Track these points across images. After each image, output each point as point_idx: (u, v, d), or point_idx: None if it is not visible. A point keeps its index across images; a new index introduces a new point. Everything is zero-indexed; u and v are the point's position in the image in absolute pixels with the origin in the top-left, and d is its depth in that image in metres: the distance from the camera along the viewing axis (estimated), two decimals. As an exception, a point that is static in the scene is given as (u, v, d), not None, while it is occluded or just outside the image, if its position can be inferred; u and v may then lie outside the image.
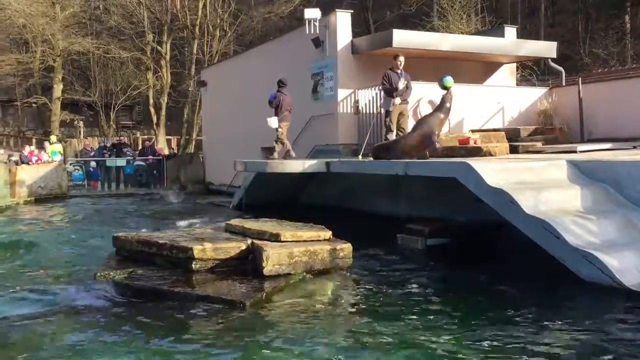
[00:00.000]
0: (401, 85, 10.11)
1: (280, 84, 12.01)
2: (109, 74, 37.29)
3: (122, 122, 40.32)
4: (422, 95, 11.57)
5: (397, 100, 10.04)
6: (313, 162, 10.95)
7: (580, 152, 9.94)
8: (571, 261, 6.19)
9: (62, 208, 16.29)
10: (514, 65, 15.41)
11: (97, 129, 37.73)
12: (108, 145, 22.79)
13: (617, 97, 11.98)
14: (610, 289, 5.80)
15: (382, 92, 10.59)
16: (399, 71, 10.19)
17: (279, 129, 11.81)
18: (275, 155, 11.78)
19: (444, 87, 9.36)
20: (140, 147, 27.28)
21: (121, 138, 30.71)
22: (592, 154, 9.50)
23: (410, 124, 10.78)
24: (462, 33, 22.53)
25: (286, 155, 11.85)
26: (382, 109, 10.73)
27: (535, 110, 13.05)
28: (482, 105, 12.70)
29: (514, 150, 11.05)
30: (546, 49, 14.14)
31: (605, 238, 6.41)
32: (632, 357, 4.34)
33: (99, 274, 6.77)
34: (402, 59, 10.21)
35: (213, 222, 9.96)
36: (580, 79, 13.16)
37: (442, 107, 9.23)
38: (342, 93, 12.63)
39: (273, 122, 11.80)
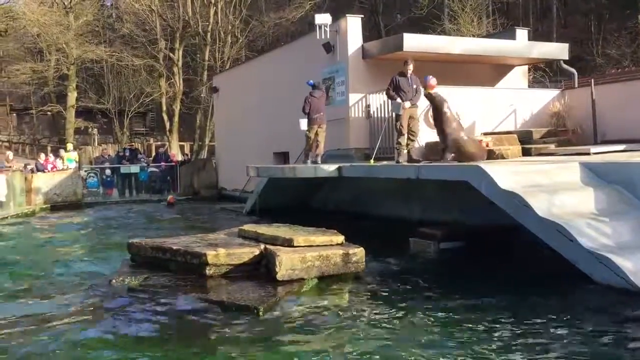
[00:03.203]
0: (409, 89, 10.13)
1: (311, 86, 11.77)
2: (122, 82, 37.65)
3: (136, 129, 40.67)
4: (434, 98, 11.55)
5: (407, 104, 10.07)
6: (325, 166, 10.99)
7: (594, 154, 9.89)
8: (585, 264, 6.17)
9: (77, 215, 16.46)
10: (526, 67, 15.36)
11: (111, 136, 38.08)
12: (127, 153, 22.87)
13: (630, 98, 11.88)
14: (624, 292, 5.76)
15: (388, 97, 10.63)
16: (409, 76, 10.21)
17: (307, 132, 11.60)
18: (310, 158, 11.56)
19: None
20: (153, 153, 27.46)
21: (132, 144, 30.92)
22: (605, 156, 9.44)
23: (422, 128, 10.80)
24: (473, 36, 22.49)
25: (298, 159, 11.87)
26: (392, 113, 10.73)
27: (548, 112, 12.99)
28: (494, 108, 12.67)
29: (526, 152, 11.01)
30: (558, 50, 14.08)
31: (620, 240, 6.37)
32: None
33: (114, 280, 6.86)
34: (411, 66, 10.23)
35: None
36: (593, 80, 13.08)
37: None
38: (353, 97, 12.67)
39: (302, 124, 11.67)
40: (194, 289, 6.38)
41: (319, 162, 11.49)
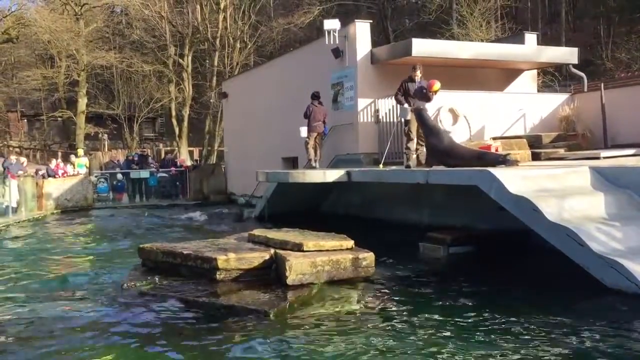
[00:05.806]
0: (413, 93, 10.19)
1: (312, 96, 12.69)
2: (132, 87, 37.91)
3: (145, 135, 40.89)
4: (443, 103, 11.57)
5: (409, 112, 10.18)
6: (334, 171, 11.02)
7: (604, 158, 9.86)
8: (595, 268, 6.15)
9: (88, 220, 16.56)
10: (535, 71, 15.33)
11: (121, 141, 38.32)
12: (136, 158, 23.01)
13: (640, 102, 11.84)
14: (636, 297, 5.74)
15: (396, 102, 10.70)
16: (418, 80, 10.24)
17: (307, 139, 12.56)
18: (313, 163, 12.51)
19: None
20: (163, 158, 27.58)
21: (144, 150, 31.11)
22: (615, 160, 9.42)
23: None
24: (482, 40, 22.45)
25: (307, 165, 12.01)
26: (401, 118, 10.76)
27: (557, 116, 12.96)
28: (503, 113, 12.65)
29: (536, 157, 11.00)
30: (567, 55, 14.05)
31: (630, 245, 6.35)
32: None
33: (125, 285, 6.90)
34: (419, 71, 10.27)
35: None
36: (602, 84, 13.04)
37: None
38: (362, 102, 12.70)
39: (302, 131, 12.73)
40: (204, 294, 6.42)
41: (317, 166, 12.39)
